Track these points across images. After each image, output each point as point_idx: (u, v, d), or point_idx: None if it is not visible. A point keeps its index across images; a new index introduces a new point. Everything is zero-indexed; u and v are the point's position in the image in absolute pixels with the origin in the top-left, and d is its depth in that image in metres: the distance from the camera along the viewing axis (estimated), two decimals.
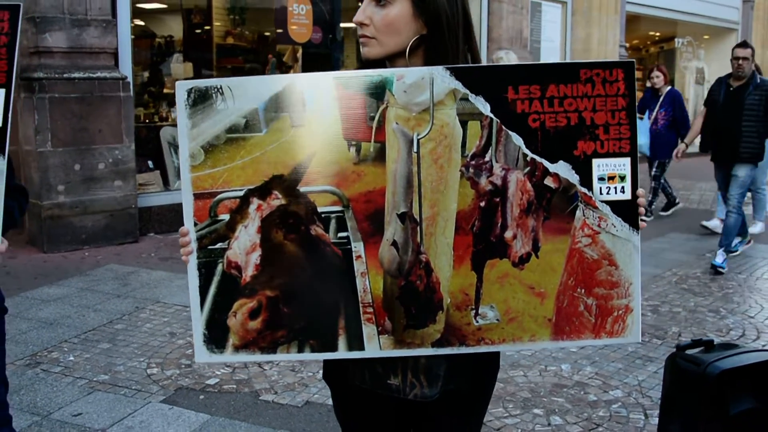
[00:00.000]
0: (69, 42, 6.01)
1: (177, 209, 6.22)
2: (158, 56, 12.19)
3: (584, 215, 1.50)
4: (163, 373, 3.76)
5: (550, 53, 10.30)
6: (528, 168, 1.49)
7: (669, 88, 8.51)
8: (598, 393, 3.57)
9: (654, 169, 8.37)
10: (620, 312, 1.53)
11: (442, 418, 1.68)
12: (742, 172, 6.32)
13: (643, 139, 8.09)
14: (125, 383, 3.64)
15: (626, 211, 1.51)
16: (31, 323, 4.50)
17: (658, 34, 15.22)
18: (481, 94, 1.47)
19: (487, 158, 1.49)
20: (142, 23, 13.12)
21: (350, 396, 1.69)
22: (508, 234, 1.50)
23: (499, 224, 1.50)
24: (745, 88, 6.33)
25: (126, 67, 6.62)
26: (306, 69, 8.86)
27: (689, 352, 2.63)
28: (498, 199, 1.50)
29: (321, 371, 3.70)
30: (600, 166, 1.50)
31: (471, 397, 1.68)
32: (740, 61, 6.33)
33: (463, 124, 1.48)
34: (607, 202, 1.50)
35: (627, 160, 1.50)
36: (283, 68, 8.94)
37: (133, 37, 13.10)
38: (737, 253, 6.61)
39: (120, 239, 6.42)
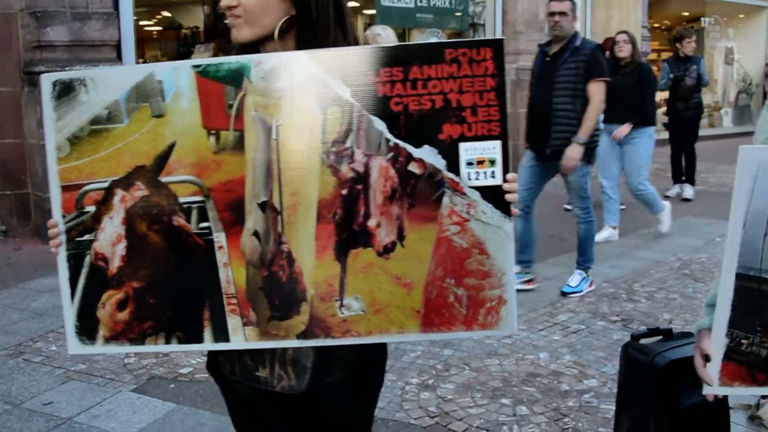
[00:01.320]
0: (70, 35, 6.08)
1: None
2: (184, 47, 12.30)
3: (452, 202, 1.44)
4: (139, 363, 3.79)
5: None
6: (391, 154, 1.44)
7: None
8: (572, 382, 3.49)
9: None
10: (493, 303, 1.47)
11: (325, 411, 1.64)
12: (569, 176, 4.83)
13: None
14: (100, 372, 3.68)
15: (497, 196, 1.44)
16: (23, 314, 4.58)
17: (686, 13, 14.81)
18: (340, 79, 1.43)
19: (348, 144, 1.44)
20: (168, 14, 13.26)
21: (229, 388, 1.67)
22: (372, 222, 1.45)
23: (362, 212, 1.46)
24: (560, 55, 4.76)
25: (129, 60, 6.67)
26: None
27: (647, 341, 2.55)
28: (360, 187, 1.45)
29: None
30: (468, 151, 1.43)
31: (354, 390, 1.64)
32: (555, 17, 4.75)
33: (324, 110, 1.44)
34: (477, 188, 1.44)
35: (497, 144, 1.43)
36: None
37: (160, 28, 13.26)
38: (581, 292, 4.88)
39: None
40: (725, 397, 1.93)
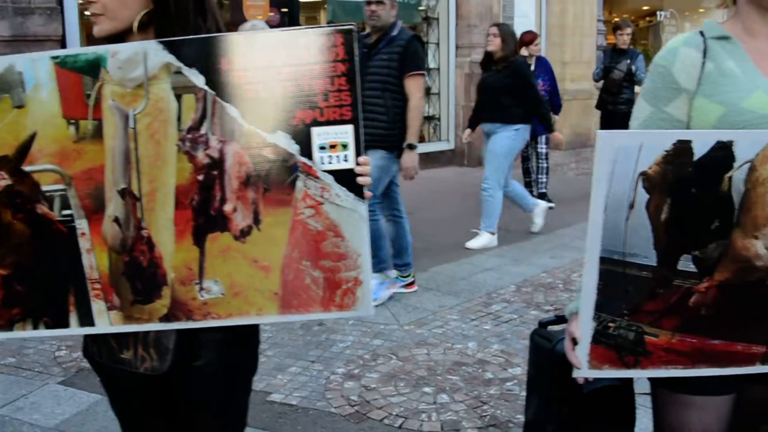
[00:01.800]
0: (12, 30, 6.05)
1: None
2: None
3: (306, 186, 1.49)
4: (70, 355, 3.80)
5: (524, 29, 10.17)
6: (245, 139, 1.49)
7: (538, 55, 7.70)
8: (496, 371, 3.56)
9: (542, 146, 7.46)
10: (349, 285, 1.52)
11: (197, 394, 1.68)
12: (372, 162, 4.17)
13: None
14: (30, 365, 3.69)
15: (350, 180, 1.49)
16: None
17: (646, 7, 14.99)
18: (194, 67, 1.47)
19: (203, 131, 1.48)
20: None
21: (101, 371, 1.71)
22: (228, 207, 1.50)
23: (218, 197, 1.50)
24: (375, 46, 4.49)
25: None
26: None
27: (555, 328, 2.62)
28: (216, 173, 1.49)
29: None
30: (320, 135, 1.48)
31: (225, 373, 1.68)
32: (372, 6, 4.44)
33: (178, 98, 1.48)
34: (330, 172, 1.49)
35: (349, 128, 1.48)
36: None
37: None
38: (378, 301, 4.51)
39: None
40: (630, 382, 1.97)
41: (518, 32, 7.90)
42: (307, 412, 3.18)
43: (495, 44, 5.95)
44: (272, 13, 7.94)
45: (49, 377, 3.55)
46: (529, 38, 7.41)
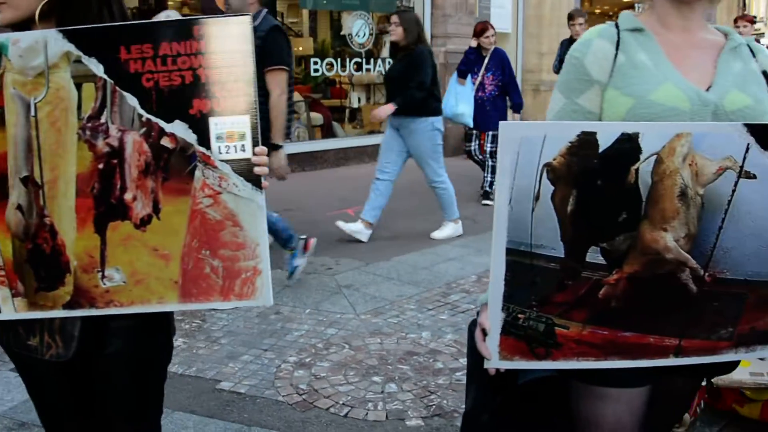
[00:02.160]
0: None
1: None
2: None
3: (204, 175, 1.49)
4: None
5: (501, 20, 10.17)
6: (144, 129, 1.48)
7: (493, 47, 7.20)
8: (447, 361, 3.57)
9: (490, 144, 7.07)
10: (248, 274, 1.52)
11: (109, 381, 1.68)
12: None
13: (464, 108, 6.86)
14: None
15: (247, 170, 1.49)
16: None
17: None
18: (93, 56, 1.46)
19: (103, 120, 1.48)
20: None
21: (14, 359, 1.71)
22: (128, 196, 1.49)
23: (118, 186, 1.49)
24: None
25: None
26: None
27: None
28: (116, 161, 1.48)
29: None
30: (217, 125, 1.48)
31: (136, 361, 1.68)
32: None
33: (78, 87, 1.47)
34: (227, 161, 1.49)
35: (246, 118, 1.48)
36: None
37: None
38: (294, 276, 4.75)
39: None
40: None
41: (495, 23, 7.87)
42: (254, 400, 3.17)
43: (397, 33, 5.66)
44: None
45: (2, 364, 3.53)
46: (479, 28, 7.13)
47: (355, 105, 10.09)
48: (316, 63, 9.19)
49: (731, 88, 1.59)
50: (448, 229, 5.89)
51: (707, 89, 1.59)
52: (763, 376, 2.87)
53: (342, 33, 9.56)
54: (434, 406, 3.08)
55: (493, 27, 7.18)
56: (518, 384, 2.44)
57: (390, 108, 5.56)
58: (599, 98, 1.62)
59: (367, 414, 3.03)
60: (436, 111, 5.73)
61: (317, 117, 9.49)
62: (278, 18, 10.35)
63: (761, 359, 2.97)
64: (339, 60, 9.28)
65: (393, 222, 6.17)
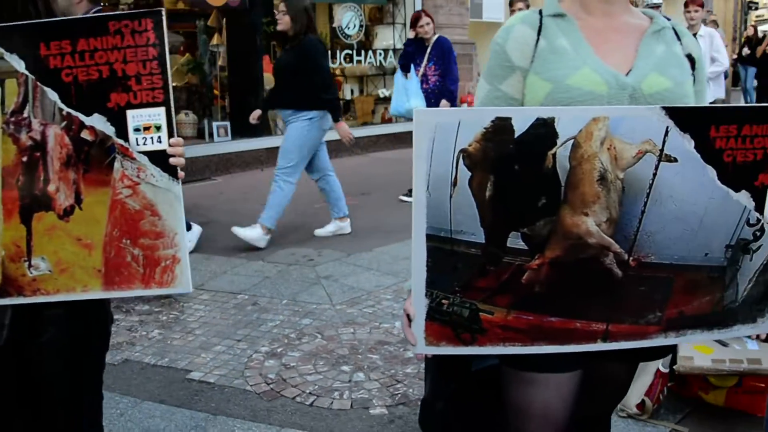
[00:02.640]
0: None
1: None
2: None
3: (123, 166, 1.52)
4: None
5: (494, 10, 10.15)
6: (65, 122, 1.51)
7: (437, 36, 6.80)
8: None
9: None
10: (168, 262, 1.55)
11: (46, 369, 1.70)
12: None
13: (417, 102, 6.50)
14: None
15: (163, 160, 1.53)
16: None
17: None
18: (15, 52, 1.50)
19: (25, 114, 1.52)
20: None
21: None
22: (51, 187, 1.52)
23: (42, 178, 1.52)
24: None
25: None
26: (230, 32, 8.80)
27: None
28: (39, 154, 1.52)
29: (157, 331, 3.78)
30: (134, 117, 1.51)
31: (73, 349, 1.70)
32: None
33: (2, 83, 1.51)
34: (145, 153, 1.52)
35: (161, 110, 1.52)
36: (209, 31, 8.91)
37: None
38: None
39: None
40: None
41: (486, 14, 7.82)
42: (222, 390, 3.20)
43: (284, 22, 5.33)
44: None
45: None
46: (413, 18, 6.80)
47: (348, 97, 10.10)
48: None
49: (651, 71, 1.59)
50: (253, 232, 5.32)
51: (627, 73, 1.59)
52: (725, 363, 2.88)
53: (333, 25, 9.57)
54: (400, 395, 3.10)
55: (429, 15, 6.84)
56: (472, 371, 2.46)
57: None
58: (521, 84, 1.63)
59: (332, 403, 3.05)
60: (321, 105, 5.35)
61: None
62: (274, 11, 10.38)
63: (724, 345, 2.98)
64: (329, 52, 9.28)
65: (376, 213, 6.19)
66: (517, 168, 1.50)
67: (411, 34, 6.84)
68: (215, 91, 9.06)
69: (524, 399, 1.70)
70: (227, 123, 8.47)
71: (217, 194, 7.06)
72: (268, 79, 9.16)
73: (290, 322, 3.93)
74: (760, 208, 1.59)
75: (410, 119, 5.36)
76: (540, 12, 1.66)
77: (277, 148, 5.56)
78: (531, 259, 1.55)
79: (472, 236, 1.54)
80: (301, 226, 5.84)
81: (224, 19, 8.76)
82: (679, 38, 1.69)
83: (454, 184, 1.50)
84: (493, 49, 1.67)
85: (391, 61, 9.53)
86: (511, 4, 7.39)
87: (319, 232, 5.64)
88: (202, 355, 3.56)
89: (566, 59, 1.58)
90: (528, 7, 6.87)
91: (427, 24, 6.67)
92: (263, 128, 8.71)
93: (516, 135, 1.47)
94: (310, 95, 5.29)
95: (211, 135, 8.51)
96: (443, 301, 1.60)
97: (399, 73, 6.84)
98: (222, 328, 3.88)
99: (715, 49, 7.21)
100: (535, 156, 1.49)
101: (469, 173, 1.49)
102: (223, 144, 8.25)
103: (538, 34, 1.62)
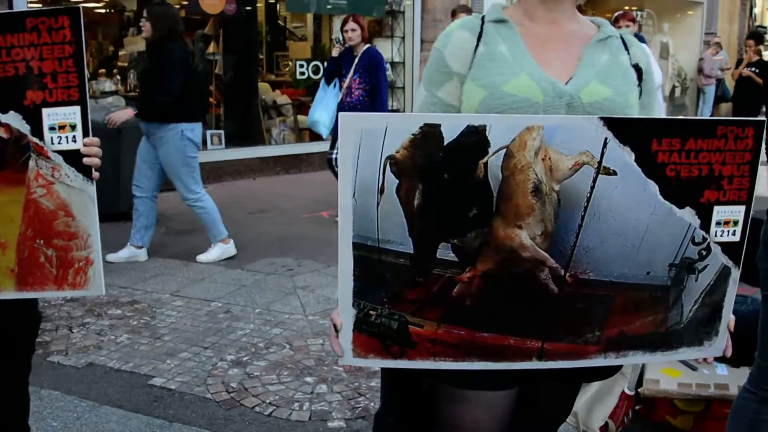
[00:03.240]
0: None
1: None
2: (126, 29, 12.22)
3: (38, 165, 1.49)
4: None
5: None
6: None
7: (367, 46, 6.17)
8: None
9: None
10: (81, 264, 1.51)
11: None
12: None
13: (320, 115, 6.11)
14: None
15: (78, 160, 1.50)
16: None
17: (626, 7, 14.93)
18: None
19: None
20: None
21: None
22: None
23: None
24: None
25: None
26: (226, 40, 8.79)
27: None
28: None
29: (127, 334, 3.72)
30: (50, 116, 1.51)
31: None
32: None
33: None
34: (60, 152, 1.50)
35: (77, 109, 1.51)
36: (206, 40, 8.90)
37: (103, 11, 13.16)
38: None
39: None
40: None
41: None
42: (182, 397, 3.15)
43: (146, 29, 4.96)
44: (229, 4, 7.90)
45: None
46: (343, 23, 6.31)
47: None
48: (302, 66, 9.18)
49: (591, 80, 1.54)
50: (215, 251, 5.21)
51: (567, 81, 1.54)
52: (692, 387, 2.80)
53: (333, 37, 9.55)
54: (360, 408, 3.04)
55: (358, 22, 6.11)
56: (424, 387, 2.40)
57: (127, 113, 5.01)
58: (459, 91, 1.58)
59: (291, 414, 2.99)
60: (189, 117, 5.00)
61: (305, 120, 9.47)
62: (280, 22, 10.40)
63: (693, 369, 2.91)
64: (325, 63, 9.25)
65: None
66: (446, 176, 1.45)
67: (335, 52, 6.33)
68: (211, 99, 9.03)
69: (453, 416, 1.64)
70: (221, 131, 8.44)
71: None
72: (263, 89, 9.17)
73: (260, 331, 3.87)
74: (706, 227, 1.52)
75: (317, 132, 5.82)
76: (482, 18, 1.61)
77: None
78: (462, 272, 1.50)
79: (401, 246, 1.49)
80: (286, 236, 5.79)
81: (221, 28, 8.75)
82: (627, 48, 1.64)
83: (381, 191, 1.45)
84: (432, 54, 1.62)
85: (389, 74, 9.49)
86: (453, 14, 7.24)
87: (201, 258, 5.19)
88: (167, 361, 3.50)
89: (503, 66, 1.53)
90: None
91: (353, 30, 6.01)
92: (257, 137, 8.70)
93: (445, 142, 1.41)
94: (185, 106, 4.95)
95: (204, 143, 8.47)
96: (371, 312, 1.54)
97: (323, 83, 6.40)
98: (191, 335, 3.83)
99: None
100: (466, 165, 1.43)
101: (397, 180, 1.44)
102: (216, 152, 8.21)
103: (478, 39, 1.57)
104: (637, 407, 3.02)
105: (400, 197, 1.45)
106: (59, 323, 3.92)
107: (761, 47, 11.39)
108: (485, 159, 1.43)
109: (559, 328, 1.54)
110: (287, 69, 9.44)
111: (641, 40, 7.33)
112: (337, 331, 1.57)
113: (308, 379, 3.31)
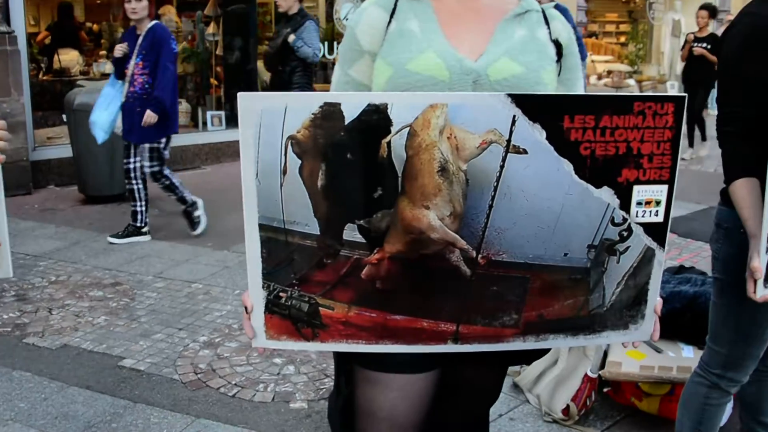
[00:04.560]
0: None
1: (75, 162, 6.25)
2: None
3: None
4: None
5: None
6: None
7: (153, 22, 5.02)
8: None
9: (149, 163, 5.04)
10: None
11: None
12: None
13: (97, 114, 5.09)
14: None
15: None
16: None
17: None
18: None
19: None
20: None
21: None
22: None
23: None
24: None
25: (18, 22, 6.64)
26: (226, 22, 8.76)
27: None
28: None
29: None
30: None
31: None
32: None
33: None
34: None
35: None
36: (207, 21, 8.87)
37: None
38: None
39: (12, 191, 6.48)
40: None
41: None
42: (150, 378, 3.16)
43: (143, 6, 4.87)
44: None
45: None
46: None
47: None
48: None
49: (502, 56, 1.50)
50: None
51: (478, 58, 1.50)
52: (654, 369, 2.77)
53: (335, 17, 9.48)
54: (324, 389, 3.04)
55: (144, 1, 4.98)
56: None
57: None
58: (371, 69, 1.55)
59: (254, 395, 3.00)
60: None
61: None
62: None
63: (658, 351, 2.87)
64: (326, 44, 9.19)
65: None
66: (349, 156, 1.42)
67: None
68: (212, 80, 9.03)
69: (369, 399, 1.63)
70: (221, 113, 8.44)
71: (202, 183, 7.02)
72: (262, 69, 9.12)
73: (236, 312, 3.88)
74: (626, 207, 1.48)
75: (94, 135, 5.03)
76: None
77: None
78: (370, 253, 1.47)
79: (306, 227, 1.47)
80: None
81: (221, 9, 8.72)
82: (547, 22, 1.59)
83: (284, 172, 1.43)
84: (346, 32, 1.59)
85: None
86: None
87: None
88: (140, 342, 3.52)
89: (412, 43, 1.50)
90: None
91: (134, 3, 4.90)
92: None
93: (346, 122, 1.38)
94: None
95: (205, 124, 8.48)
96: (281, 294, 1.52)
97: (111, 78, 5.27)
98: (167, 316, 3.84)
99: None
100: (368, 144, 1.40)
101: (299, 161, 1.41)
102: (215, 133, 8.21)
103: (391, 16, 1.54)
104: (604, 390, 2.99)
105: (304, 178, 1.43)
106: (40, 305, 3.96)
107: (713, 21, 9.40)
108: (388, 138, 1.40)
109: (473, 310, 1.51)
110: None
111: (563, 12, 6.69)
112: (248, 312, 1.55)
113: (277, 360, 3.31)
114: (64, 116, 7.47)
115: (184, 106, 8.61)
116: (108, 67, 8.41)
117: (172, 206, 5.58)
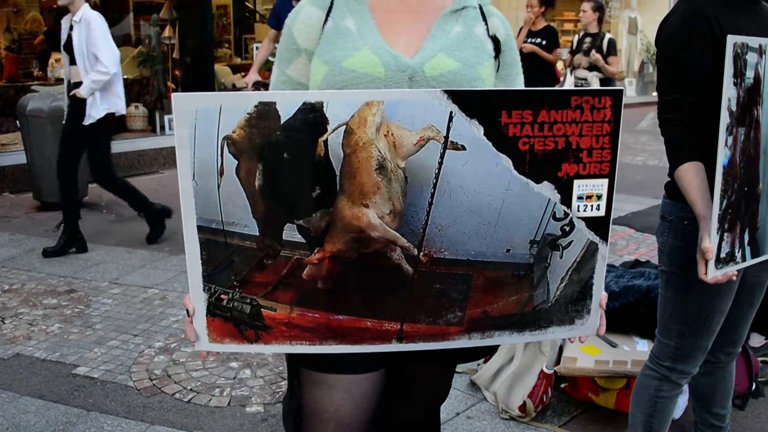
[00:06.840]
0: None
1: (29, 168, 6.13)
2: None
3: None
4: None
5: None
6: None
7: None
8: None
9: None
10: None
11: None
12: None
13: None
14: None
15: None
16: None
17: None
18: None
19: None
20: None
21: None
22: None
23: None
24: None
25: None
26: (182, 24, 8.66)
27: None
28: None
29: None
30: None
31: None
32: None
33: None
34: None
35: None
36: (162, 24, 8.77)
37: None
38: None
39: None
40: None
41: None
42: (104, 385, 3.11)
43: None
44: None
45: None
46: None
47: None
48: None
49: (438, 52, 1.50)
50: None
51: (414, 55, 1.50)
52: (608, 364, 2.79)
53: None
54: (281, 393, 3.01)
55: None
56: None
57: None
58: (307, 68, 1.53)
59: (210, 400, 2.96)
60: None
61: None
62: (249, 3, 10.21)
63: (613, 346, 2.89)
64: None
65: None
66: (286, 156, 1.40)
67: None
68: (169, 84, 8.92)
69: (314, 400, 1.61)
70: None
71: (159, 188, 6.92)
72: (223, 72, 9.06)
73: None
74: (567, 202, 1.48)
75: None
76: None
77: None
78: (310, 253, 1.46)
79: (246, 228, 1.45)
80: None
81: (176, 12, 8.62)
82: (485, 18, 1.59)
83: (221, 173, 1.41)
84: (284, 31, 1.58)
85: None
86: None
87: None
88: (94, 349, 3.46)
89: (347, 40, 1.49)
90: None
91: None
92: None
93: (282, 121, 1.37)
94: None
95: (163, 128, 8.38)
96: (222, 296, 1.50)
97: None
98: (123, 322, 3.78)
99: (93, 45, 4.64)
100: (305, 143, 1.39)
101: (236, 161, 1.40)
102: (173, 137, 8.06)
103: (327, 14, 1.53)
104: (562, 386, 3.01)
105: (241, 178, 1.41)
106: None
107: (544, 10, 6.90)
108: (324, 137, 1.38)
109: (417, 309, 1.51)
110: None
111: None
112: (190, 316, 1.53)
113: (233, 364, 3.28)
114: (17, 122, 7.34)
115: (141, 110, 8.51)
116: (62, 72, 8.29)
117: (129, 211, 5.50)
